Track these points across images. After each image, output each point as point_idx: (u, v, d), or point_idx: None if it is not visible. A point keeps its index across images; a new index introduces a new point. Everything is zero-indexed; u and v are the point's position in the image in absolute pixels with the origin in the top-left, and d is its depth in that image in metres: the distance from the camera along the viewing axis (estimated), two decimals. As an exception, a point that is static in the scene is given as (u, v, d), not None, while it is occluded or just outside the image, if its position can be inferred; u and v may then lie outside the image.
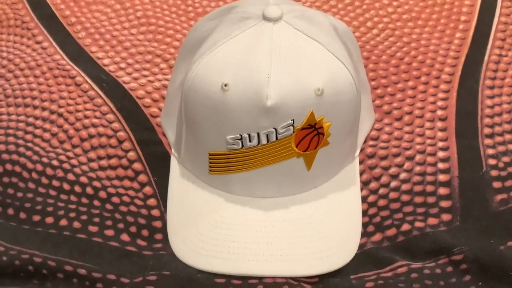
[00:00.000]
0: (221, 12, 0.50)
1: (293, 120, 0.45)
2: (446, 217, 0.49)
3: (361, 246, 0.47)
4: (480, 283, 0.45)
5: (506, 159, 0.52)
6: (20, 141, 0.54)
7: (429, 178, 0.51)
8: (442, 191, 0.50)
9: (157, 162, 0.53)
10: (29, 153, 0.53)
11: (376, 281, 0.45)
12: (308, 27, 0.47)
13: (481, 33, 0.64)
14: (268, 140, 0.45)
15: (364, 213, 0.49)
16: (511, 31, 0.64)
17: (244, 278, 0.45)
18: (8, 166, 0.51)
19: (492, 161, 0.52)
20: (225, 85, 0.45)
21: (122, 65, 0.62)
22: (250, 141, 0.45)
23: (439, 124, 0.55)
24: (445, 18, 0.66)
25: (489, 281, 0.45)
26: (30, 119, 0.56)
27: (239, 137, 0.45)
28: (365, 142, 0.54)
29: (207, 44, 0.48)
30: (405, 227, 0.48)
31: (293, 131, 0.45)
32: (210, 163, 0.48)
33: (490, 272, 0.45)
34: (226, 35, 0.47)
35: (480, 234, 0.47)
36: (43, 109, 0.57)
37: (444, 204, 0.49)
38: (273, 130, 0.45)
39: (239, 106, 0.44)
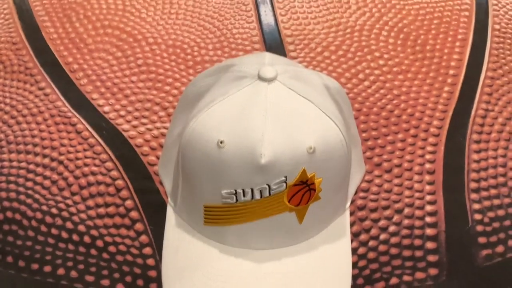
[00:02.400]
0: (219, 70, 0.52)
1: (285, 177, 0.47)
2: (433, 271, 0.50)
3: (350, 299, 0.49)
4: (465, 338, 0.46)
5: (491, 214, 0.54)
6: (21, 189, 0.55)
7: (417, 232, 0.53)
8: (430, 245, 0.52)
9: (154, 211, 0.54)
10: (29, 200, 0.54)
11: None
12: (302, 87, 0.49)
13: (468, 87, 0.66)
14: (261, 196, 0.47)
15: (354, 265, 0.51)
16: (498, 85, 0.66)
17: (236, 331, 0.46)
18: (9, 214, 0.53)
19: (477, 216, 0.54)
20: (221, 142, 0.47)
21: (122, 112, 0.64)
22: (244, 196, 0.47)
23: (427, 177, 0.57)
24: (434, 72, 0.68)
25: (474, 336, 0.46)
26: (31, 166, 0.58)
27: (234, 192, 0.47)
28: (356, 193, 0.56)
29: (205, 101, 0.50)
30: (394, 280, 0.50)
31: (286, 187, 0.47)
32: (205, 215, 0.50)
33: (475, 328, 0.46)
34: (223, 93, 0.49)
35: (466, 290, 0.49)
36: (44, 156, 0.59)
37: (432, 258, 0.51)
38: (267, 186, 0.47)
39: (234, 162, 0.46)
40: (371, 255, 0.52)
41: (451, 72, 0.68)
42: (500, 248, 0.51)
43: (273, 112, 0.47)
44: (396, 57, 0.70)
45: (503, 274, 0.50)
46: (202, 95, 0.51)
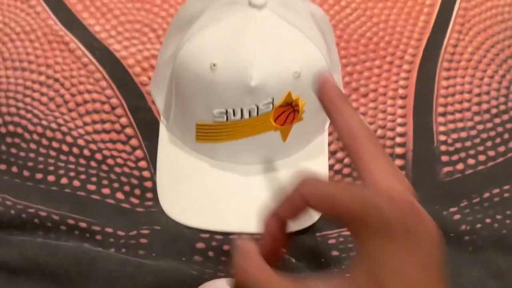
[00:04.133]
0: (210, -6, 0.55)
1: (272, 98, 0.51)
2: (400, 185, 0.56)
3: (326, 208, 0.55)
4: (424, 242, 0.53)
5: (454, 135, 0.60)
6: (20, 104, 0.58)
7: (387, 150, 0.58)
8: (398, 162, 0.58)
9: (147, 128, 0.58)
10: (29, 115, 0.57)
11: (338, 239, 0.53)
12: (289, 14, 0.52)
13: (442, 17, 0.70)
14: (250, 115, 0.51)
15: (331, 179, 0.57)
16: (470, 16, 0.70)
17: (225, 234, 0.52)
18: (11, 128, 0.56)
19: (442, 137, 0.59)
20: (214, 65, 0.50)
21: (113, 33, 0.66)
22: (234, 115, 0.51)
23: (400, 102, 0.62)
24: (412, 1, 0.72)
25: (431, 240, 0.53)
26: (28, 83, 0.60)
27: (225, 111, 0.51)
28: (334, 115, 0.61)
29: (198, 25, 0.53)
30: (365, 192, 0.56)
31: (272, 108, 0.51)
32: (197, 132, 0.54)
33: (433, 233, 0.53)
34: (215, 18, 0.52)
35: (427, 201, 0.54)
36: (40, 73, 0.61)
37: (399, 174, 0.57)
38: (255, 106, 0.51)
39: (226, 84, 0.50)
40: (346, 170, 0.57)
41: (428, 1, 0.72)
42: (460, 166, 0.58)
43: (263, 38, 0.50)
44: (377, -15, 0.73)
45: (461, 188, 0.56)
46: (194, 19, 0.54)
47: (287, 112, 0.52)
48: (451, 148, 0.59)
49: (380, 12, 0.70)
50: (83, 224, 0.51)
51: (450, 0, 0.72)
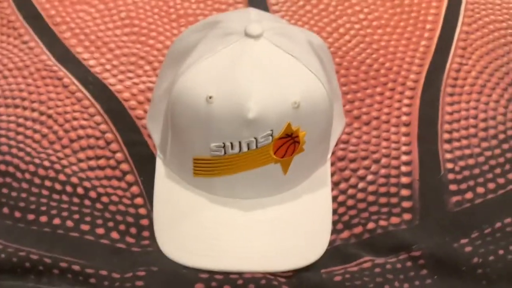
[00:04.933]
0: (206, 25, 0.53)
1: (272, 130, 0.49)
2: (407, 216, 0.54)
3: (331, 242, 0.52)
4: (435, 277, 0.50)
5: (462, 163, 0.57)
6: (12, 142, 0.56)
7: (392, 180, 0.56)
8: (404, 192, 0.56)
9: (143, 162, 0.56)
10: (21, 154, 0.56)
11: (344, 275, 0.50)
12: (287, 44, 0.51)
13: (444, 42, 0.69)
14: (248, 148, 0.50)
15: (334, 211, 0.54)
16: (472, 40, 0.69)
17: (225, 273, 0.49)
18: (2, 167, 0.54)
19: (449, 165, 0.57)
20: (210, 97, 0.48)
21: (108, 66, 0.64)
22: (232, 148, 0.50)
23: (403, 129, 0.61)
24: (412, 26, 0.71)
25: (443, 275, 0.50)
26: (21, 120, 0.59)
27: (222, 145, 0.50)
28: (336, 145, 0.59)
29: (193, 57, 0.51)
30: (371, 225, 0.54)
31: (272, 140, 0.50)
32: (194, 167, 0.52)
33: (445, 267, 0.51)
34: (211, 50, 0.50)
35: (437, 233, 0.53)
36: (33, 110, 0.60)
37: (406, 204, 0.55)
38: (254, 139, 0.49)
39: (223, 117, 0.48)
40: (350, 202, 0.55)
41: (428, 26, 0.70)
42: (469, 195, 0.55)
43: (260, 68, 0.49)
44: (376, 11, 0.72)
45: (471, 218, 0.54)
46: (189, 51, 0.52)
47: (287, 144, 0.51)
48: (459, 176, 0.56)
49: (380, 38, 0.69)
50: (76, 267, 0.49)
51: (451, 24, 0.70)
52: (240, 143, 0.49)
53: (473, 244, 0.52)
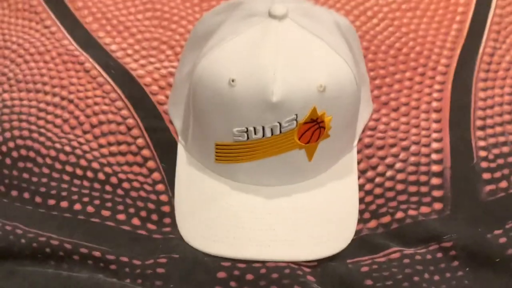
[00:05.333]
0: (228, 7, 0.52)
1: (296, 115, 0.47)
2: (437, 206, 0.52)
3: (357, 232, 0.50)
4: (467, 269, 0.48)
5: (496, 151, 0.55)
6: (33, 127, 0.56)
7: (422, 169, 0.54)
8: (435, 181, 0.53)
9: (165, 149, 0.55)
10: (42, 138, 0.55)
11: (371, 266, 0.48)
12: (312, 25, 0.49)
13: (477, 25, 0.66)
14: (272, 133, 0.48)
15: (361, 200, 0.52)
16: (506, 23, 0.66)
17: (248, 262, 0.48)
18: (23, 152, 0.54)
19: (482, 153, 0.55)
20: (233, 81, 0.47)
21: (129, 51, 0.63)
22: (255, 133, 0.48)
23: (434, 115, 0.58)
24: (442, 9, 0.68)
25: (476, 267, 0.48)
26: (42, 105, 0.58)
27: (245, 130, 0.48)
28: (363, 132, 0.57)
29: (215, 39, 0.50)
30: (399, 215, 0.51)
31: (296, 125, 0.48)
32: (216, 152, 0.51)
33: (477, 259, 0.48)
34: (233, 31, 0.49)
35: (469, 223, 0.50)
36: (54, 95, 0.59)
37: (436, 193, 0.53)
38: (278, 124, 0.47)
39: (246, 101, 0.47)
40: (378, 191, 0.53)
41: (460, 9, 0.67)
42: (503, 184, 0.53)
43: (284, 50, 0.47)
44: (405, -6, 0.69)
45: (505, 208, 0.51)
46: (211, 34, 0.51)
47: (312, 129, 0.49)
48: (492, 165, 0.54)
49: (409, 21, 0.66)
50: (97, 253, 0.48)
51: (484, 7, 0.67)
52: (263, 128, 0.48)
53: (507, 235, 0.49)
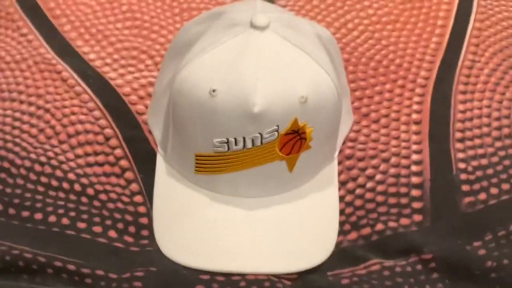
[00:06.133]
0: (210, 17, 0.51)
1: (277, 126, 0.47)
2: (417, 217, 0.52)
3: (337, 244, 0.50)
4: (446, 281, 0.48)
5: (475, 163, 0.55)
6: (8, 137, 0.54)
7: (402, 180, 0.54)
8: (415, 192, 0.53)
9: (144, 159, 0.54)
10: (17, 148, 0.54)
11: (351, 278, 0.48)
12: (294, 36, 0.49)
13: (456, 38, 0.66)
14: (253, 144, 0.47)
15: (341, 212, 0.52)
16: (485, 37, 0.67)
17: (227, 275, 0.47)
18: (-4, 162, 0.53)
19: (462, 165, 0.55)
20: (214, 91, 0.46)
21: (108, 60, 0.62)
22: (236, 144, 0.47)
23: (414, 127, 0.58)
24: (422, 22, 0.68)
25: (455, 279, 0.48)
26: (17, 114, 0.57)
27: (226, 140, 0.47)
28: (344, 143, 0.57)
29: (196, 49, 0.49)
30: (379, 226, 0.51)
31: (278, 136, 0.47)
32: (196, 163, 0.50)
33: (457, 271, 0.48)
34: (215, 41, 0.48)
35: (449, 235, 0.50)
36: (30, 104, 0.58)
37: (416, 205, 0.52)
38: (259, 135, 0.47)
39: (227, 111, 0.46)
40: (358, 202, 0.53)
41: (439, 22, 0.68)
42: (482, 196, 0.53)
43: (266, 61, 0.47)
44: (385, 6, 0.70)
45: (484, 220, 0.51)
46: (192, 43, 0.50)
47: (294, 140, 0.48)
48: (471, 177, 0.54)
49: (389, 34, 0.67)
50: (71, 267, 0.47)
51: (463, 21, 0.68)
52: (244, 139, 0.47)
53: (486, 247, 0.50)
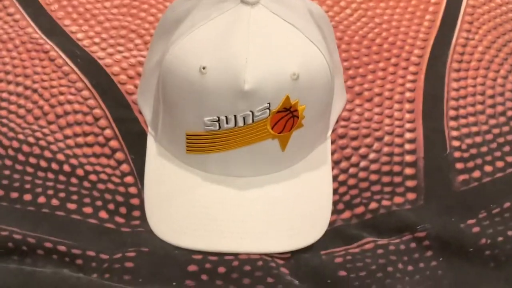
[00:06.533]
0: (199, -7, 0.50)
1: (269, 103, 0.46)
2: (411, 196, 0.51)
3: (331, 223, 0.50)
4: (441, 259, 0.48)
5: (469, 141, 0.55)
6: (-5, 117, 0.54)
7: (396, 159, 0.54)
8: (408, 171, 0.53)
9: (134, 139, 0.54)
10: (4, 129, 0.53)
11: (345, 257, 0.48)
12: (285, 11, 0.48)
13: (450, 16, 0.66)
14: (244, 122, 0.47)
15: (335, 191, 0.52)
16: (479, 14, 0.66)
17: (220, 255, 0.46)
18: (-16, 143, 0.52)
19: (455, 143, 0.55)
20: (203, 68, 0.45)
21: (97, 40, 0.61)
22: (227, 123, 0.47)
23: (407, 106, 0.58)
24: (416, 0, 0.67)
25: (449, 256, 0.48)
26: (4, 95, 0.56)
27: (217, 119, 0.47)
28: (337, 122, 0.56)
29: (185, 26, 0.48)
30: (373, 205, 0.51)
31: (269, 114, 0.47)
32: (187, 143, 0.49)
33: (451, 248, 0.48)
34: (204, 17, 0.47)
35: (442, 213, 0.50)
36: (17, 84, 0.57)
37: (410, 183, 0.52)
38: (250, 113, 0.46)
39: (217, 89, 0.45)
40: (351, 181, 0.52)
41: (433, 0, 0.67)
42: (476, 173, 0.53)
43: (257, 37, 0.46)
44: (378, -16, 0.69)
45: (478, 198, 0.51)
46: (181, 20, 0.49)
47: (286, 118, 0.48)
48: (465, 155, 0.54)
49: (383, 12, 0.66)
50: (62, 248, 0.46)
51: (456, -2, 0.67)
52: (235, 117, 0.46)
53: (480, 225, 0.49)
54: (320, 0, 0.67)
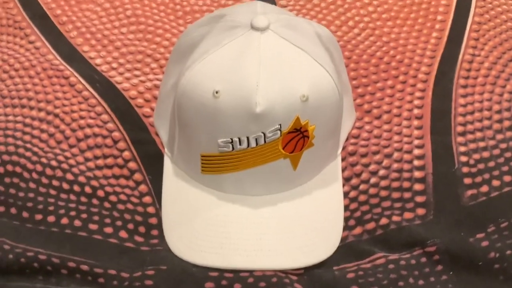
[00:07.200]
0: (211, 20, 0.52)
1: (280, 124, 0.48)
2: (420, 211, 0.53)
3: (342, 239, 0.51)
4: (451, 272, 0.49)
5: (476, 156, 0.56)
6: (19, 142, 0.56)
7: (405, 175, 0.55)
8: (418, 187, 0.54)
9: (151, 161, 0.56)
10: (28, 154, 0.55)
11: (357, 272, 0.49)
12: (294, 36, 0.50)
13: (456, 33, 0.67)
14: (257, 143, 0.49)
15: (346, 208, 0.53)
16: (484, 30, 0.67)
17: (235, 272, 0.48)
18: (9, 167, 0.54)
19: (463, 158, 0.56)
20: (217, 92, 0.48)
21: (114, 65, 0.64)
22: (240, 144, 0.49)
23: (415, 122, 0.59)
24: (422, 18, 0.69)
25: (459, 270, 0.49)
26: (27, 120, 0.58)
27: (230, 140, 0.49)
28: (347, 140, 0.58)
29: (199, 51, 0.50)
30: (383, 221, 0.52)
31: (280, 135, 0.49)
32: (202, 163, 0.51)
33: (460, 262, 0.49)
34: (217, 43, 0.49)
35: (452, 227, 0.51)
36: (39, 109, 0.59)
37: (419, 199, 0.53)
38: (262, 134, 0.48)
39: (230, 112, 0.48)
40: (362, 198, 0.54)
41: (439, 17, 0.69)
42: (484, 188, 0.54)
43: (267, 61, 0.48)
44: (385, 3, 0.70)
45: (487, 212, 0.52)
46: (195, 46, 0.52)
47: (296, 138, 0.50)
48: (473, 170, 0.55)
49: (390, 30, 0.68)
50: (84, 267, 0.48)
51: (462, 15, 0.69)
52: (248, 138, 0.48)
53: (489, 239, 0.50)
54: (328, 20, 0.69)
